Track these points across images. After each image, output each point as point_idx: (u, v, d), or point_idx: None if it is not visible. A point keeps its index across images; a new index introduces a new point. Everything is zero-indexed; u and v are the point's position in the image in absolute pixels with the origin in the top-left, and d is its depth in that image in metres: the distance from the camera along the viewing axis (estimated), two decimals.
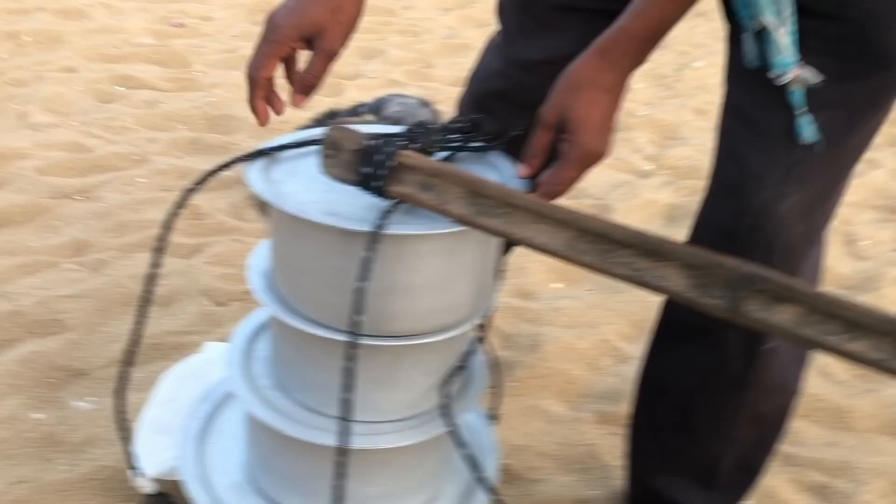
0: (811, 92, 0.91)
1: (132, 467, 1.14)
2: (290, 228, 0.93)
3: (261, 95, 0.98)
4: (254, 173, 0.97)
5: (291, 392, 1.05)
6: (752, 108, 0.98)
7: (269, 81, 0.97)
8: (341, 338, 0.93)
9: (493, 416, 1.37)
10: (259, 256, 1.06)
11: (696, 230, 1.13)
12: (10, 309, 1.68)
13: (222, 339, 1.69)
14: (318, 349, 0.98)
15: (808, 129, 0.91)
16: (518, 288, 2.09)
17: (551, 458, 1.56)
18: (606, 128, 0.89)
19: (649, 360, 1.27)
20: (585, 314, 2.00)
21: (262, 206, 2.26)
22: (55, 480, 1.30)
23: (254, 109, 1.00)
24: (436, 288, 0.92)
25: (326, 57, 0.98)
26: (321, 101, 3.04)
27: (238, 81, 3.11)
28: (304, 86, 1.00)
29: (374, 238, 0.84)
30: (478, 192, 0.82)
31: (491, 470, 1.18)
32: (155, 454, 1.24)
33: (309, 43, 0.98)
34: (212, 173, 0.98)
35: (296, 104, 1.01)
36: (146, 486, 1.14)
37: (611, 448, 1.60)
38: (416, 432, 1.01)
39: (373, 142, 0.85)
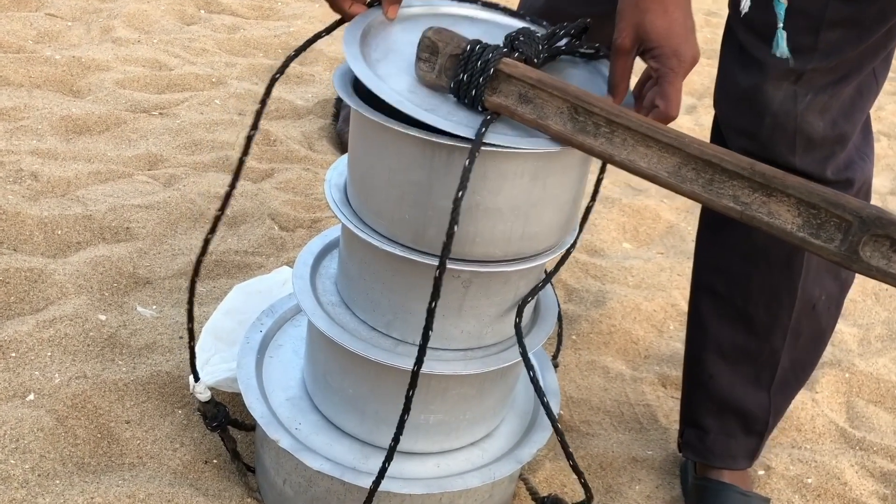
0: (829, 9, 0.97)
1: (194, 374, 1.14)
2: (370, 132, 0.89)
3: (348, 5, 0.94)
4: (351, 48, 0.88)
5: (356, 311, 1.03)
6: (764, 22, 1.00)
7: None
8: (413, 256, 0.90)
9: (555, 364, 1.34)
10: (335, 171, 1.03)
11: (714, 142, 1.12)
12: (82, 213, 1.69)
13: (287, 262, 1.69)
14: (387, 267, 0.95)
15: (782, 45, 0.96)
16: (587, 244, 2.04)
17: (608, 414, 1.52)
18: (690, 27, 0.86)
19: (699, 258, 1.26)
20: (654, 276, 1.93)
21: (337, 139, 2.24)
22: (113, 379, 1.31)
23: (348, 16, 0.94)
24: (516, 213, 0.88)
25: None
26: None
27: (318, 14, 3.08)
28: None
29: (474, 149, 0.79)
30: (580, 108, 0.77)
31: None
32: (214, 363, 1.24)
33: None
34: (305, 47, 0.94)
35: (389, 17, 0.97)
36: (203, 394, 1.14)
37: (669, 411, 1.55)
38: (481, 363, 0.98)
39: (474, 46, 0.80)
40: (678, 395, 1.60)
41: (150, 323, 1.47)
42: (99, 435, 1.24)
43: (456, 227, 0.82)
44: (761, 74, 1.05)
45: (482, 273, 0.92)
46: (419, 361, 0.88)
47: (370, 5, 0.94)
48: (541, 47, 0.86)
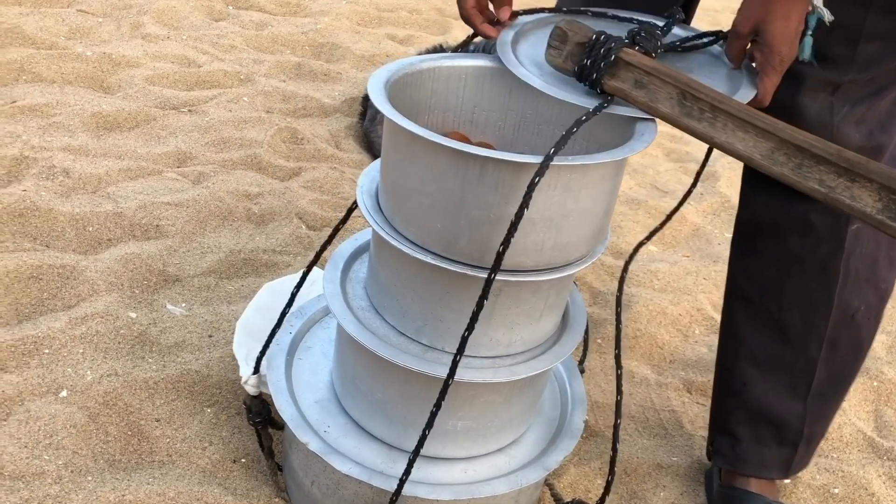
0: (868, 22, 1.00)
1: (256, 367, 1.16)
2: (403, 144, 0.90)
3: (480, 21, 1.05)
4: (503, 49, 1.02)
5: (385, 316, 1.03)
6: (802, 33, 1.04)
7: (476, 9, 1.04)
8: (445, 265, 0.91)
9: (581, 369, 1.34)
10: (367, 177, 1.04)
11: None
12: (113, 210, 1.71)
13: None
14: (417, 275, 0.96)
15: (807, 50, 1.00)
16: (613, 246, 2.04)
17: (632, 419, 1.52)
18: (798, 32, 0.94)
19: (733, 266, 1.26)
20: (680, 280, 1.93)
21: (364, 138, 2.25)
22: (144, 377, 1.33)
23: (485, 36, 1.06)
24: (548, 224, 0.88)
25: None
26: (427, 39, 3.01)
27: (345, 11, 3.09)
28: (496, 1, 1.05)
29: (545, 163, 0.81)
30: (688, 94, 0.87)
31: (577, 420, 1.15)
32: (250, 360, 1.25)
33: None
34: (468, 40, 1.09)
35: (501, 19, 1.06)
36: (255, 388, 1.16)
37: (694, 417, 1.55)
38: (509, 371, 0.99)
39: (599, 37, 0.91)
40: (703, 400, 1.60)
41: (179, 321, 1.49)
42: (129, 432, 1.26)
43: (496, 241, 0.83)
44: (798, 85, 1.05)
45: (513, 282, 0.93)
46: (451, 374, 0.89)
47: (493, 24, 1.06)
48: (658, 43, 0.95)
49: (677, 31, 1.07)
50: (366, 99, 2.31)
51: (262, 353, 1.16)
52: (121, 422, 1.27)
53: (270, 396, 1.16)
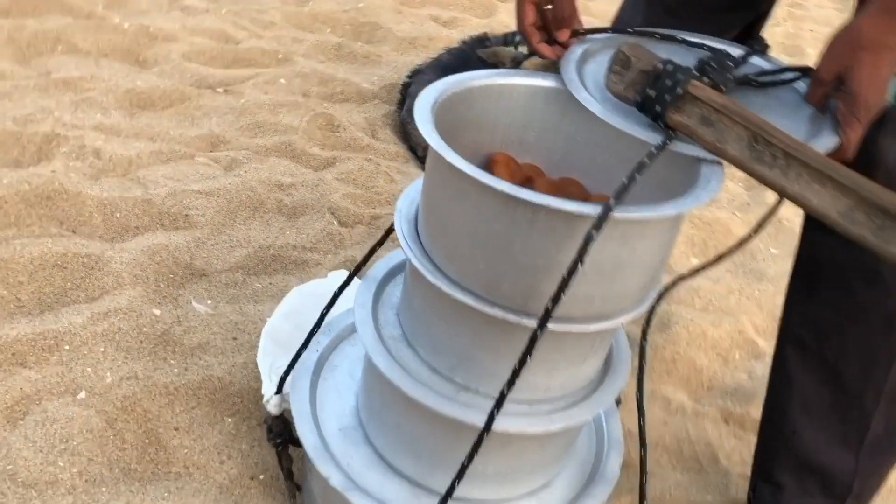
0: None
1: (279, 387, 1.12)
2: (449, 178, 0.83)
3: (537, 40, 1.00)
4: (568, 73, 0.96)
5: (418, 349, 0.98)
6: None
7: (534, 26, 1.00)
8: (485, 309, 0.85)
9: (617, 400, 1.28)
10: (406, 199, 0.97)
11: None
12: (142, 196, 1.67)
13: (344, 262, 1.65)
14: (455, 312, 0.90)
15: (892, 92, 0.92)
16: None
17: (666, 450, 1.45)
18: (886, 84, 0.88)
19: (789, 307, 1.20)
20: (723, 299, 1.85)
21: (401, 128, 2.18)
22: (164, 382, 1.29)
23: (540, 55, 1.01)
24: (601, 276, 0.82)
25: None
26: (472, 22, 2.91)
27: None
28: (556, 20, 0.99)
29: (603, 217, 0.75)
30: (760, 138, 0.80)
31: (613, 465, 1.09)
32: (275, 375, 1.21)
33: None
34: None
35: (560, 40, 0.99)
36: (276, 407, 1.11)
37: (731, 451, 1.48)
38: (547, 420, 0.93)
39: (665, 66, 0.84)
40: (741, 433, 1.53)
41: (204, 320, 1.44)
42: (147, 440, 1.22)
43: (542, 288, 0.76)
44: (877, 126, 0.96)
45: (558, 332, 0.86)
46: (487, 428, 0.83)
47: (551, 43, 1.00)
48: (730, 76, 0.88)
49: (757, 61, 0.99)
50: (405, 87, 2.24)
51: (287, 373, 1.11)
52: (138, 429, 1.23)
53: (292, 414, 1.12)
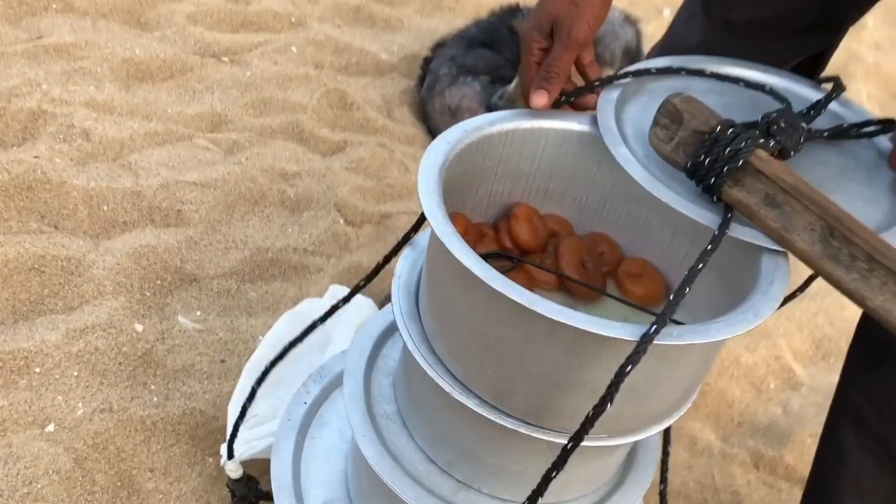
0: None
1: (229, 452, 0.99)
2: (455, 271, 0.68)
3: (536, 86, 0.83)
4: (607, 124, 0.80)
5: (414, 434, 0.85)
6: None
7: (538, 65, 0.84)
8: (493, 418, 0.71)
9: None
10: (407, 262, 0.83)
11: None
12: (132, 187, 1.53)
13: (349, 269, 1.51)
14: (458, 412, 0.76)
15: None
16: None
17: (689, 500, 1.33)
18: None
19: (848, 377, 1.06)
20: None
21: (420, 107, 2.02)
22: (141, 416, 1.18)
23: (530, 103, 0.83)
24: (632, 394, 0.68)
25: (566, 47, 0.80)
26: None
27: None
28: (543, 77, 0.81)
29: (640, 350, 0.60)
30: (837, 232, 0.64)
31: None
32: (250, 430, 1.09)
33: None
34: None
35: (533, 104, 0.81)
36: (235, 472, 0.99)
37: (760, 502, 1.36)
38: None
39: (725, 129, 0.68)
40: (771, 479, 1.40)
41: (190, 337, 1.32)
42: (119, 483, 1.12)
43: (560, 405, 0.62)
44: None
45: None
46: None
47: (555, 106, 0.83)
48: (801, 137, 0.72)
49: (831, 106, 0.82)
50: (426, 62, 2.07)
51: (233, 436, 0.98)
52: (110, 469, 1.12)
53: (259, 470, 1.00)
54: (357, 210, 1.65)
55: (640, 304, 0.81)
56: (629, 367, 0.60)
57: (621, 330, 0.61)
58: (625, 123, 0.81)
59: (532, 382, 0.68)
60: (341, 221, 1.63)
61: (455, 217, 0.79)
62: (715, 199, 0.71)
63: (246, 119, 1.82)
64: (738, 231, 0.70)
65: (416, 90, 2.06)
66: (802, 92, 0.87)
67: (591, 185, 0.87)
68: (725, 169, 0.68)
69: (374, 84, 2.07)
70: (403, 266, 0.83)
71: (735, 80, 0.85)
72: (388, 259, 0.91)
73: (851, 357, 1.05)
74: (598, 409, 0.62)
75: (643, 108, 0.82)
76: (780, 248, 0.70)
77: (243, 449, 1.06)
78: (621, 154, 0.77)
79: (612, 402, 0.61)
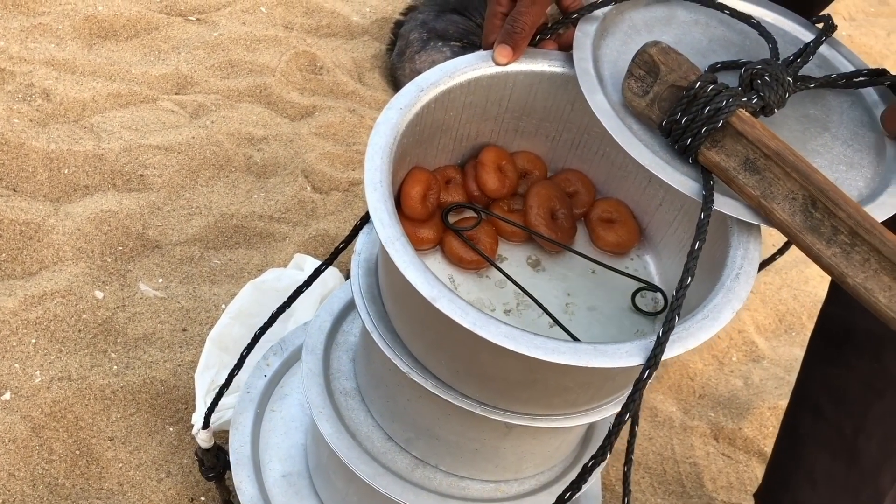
0: None
1: (205, 422, 0.98)
2: (403, 281, 0.64)
3: (493, 37, 0.77)
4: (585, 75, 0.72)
5: (372, 410, 0.85)
6: None
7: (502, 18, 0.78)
8: (450, 399, 0.71)
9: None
10: (370, 238, 0.81)
11: None
12: (94, 150, 1.50)
13: (315, 236, 1.50)
14: (417, 390, 0.76)
15: None
16: None
17: (648, 471, 1.35)
18: None
19: (808, 368, 1.07)
20: None
21: (391, 73, 1.99)
22: (101, 384, 1.17)
23: (494, 58, 0.77)
24: (586, 387, 0.68)
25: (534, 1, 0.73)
26: None
27: None
28: (507, 32, 0.74)
29: (639, 390, 0.58)
30: (820, 203, 0.60)
31: None
32: (213, 392, 1.08)
33: None
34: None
35: (496, 61, 0.75)
36: (206, 442, 0.99)
37: (717, 474, 1.38)
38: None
39: (705, 85, 0.63)
40: (729, 451, 1.42)
41: (152, 305, 1.31)
42: (77, 452, 1.11)
43: (516, 395, 0.62)
44: None
45: (532, 427, 0.73)
46: None
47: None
48: (787, 93, 0.67)
49: (821, 50, 0.78)
50: (397, 26, 2.03)
51: (213, 405, 0.98)
52: (69, 438, 1.11)
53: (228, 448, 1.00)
54: (325, 177, 1.63)
55: (608, 258, 0.79)
56: (637, 394, 0.59)
57: (567, 354, 0.59)
58: (602, 63, 0.74)
59: (485, 378, 0.67)
60: (308, 188, 1.61)
61: (414, 174, 0.76)
62: (690, 161, 0.66)
63: (212, 81, 1.78)
64: (717, 201, 0.67)
65: (388, 54, 2.03)
66: (791, 29, 0.81)
67: (564, 123, 0.81)
68: (704, 130, 0.64)
69: (345, 47, 2.03)
70: (364, 242, 0.82)
71: (721, 8, 0.79)
72: (348, 241, 0.90)
73: (812, 345, 1.05)
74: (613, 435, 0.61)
75: (623, 44, 0.76)
76: (753, 223, 0.66)
77: (214, 418, 1.05)
78: (597, 103, 0.70)
79: (617, 436, 0.60)
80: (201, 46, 1.85)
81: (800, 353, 1.53)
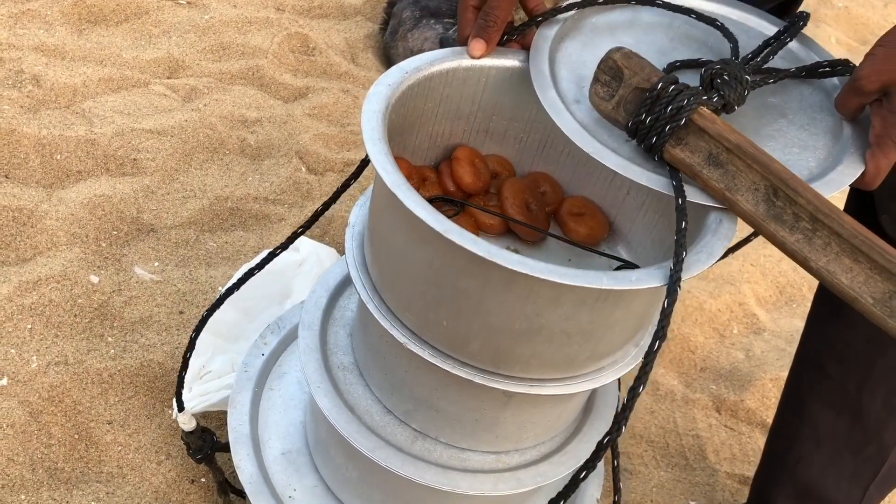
0: None
1: (178, 404, 0.97)
2: (403, 220, 0.66)
3: (469, 29, 0.79)
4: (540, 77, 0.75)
5: (371, 384, 0.84)
6: None
7: (475, 10, 0.80)
8: (448, 368, 0.71)
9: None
10: (362, 211, 0.81)
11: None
12: (86, 135, 1.49)
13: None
14: (414, 361, 0.75)
15: None
16: None
17: (651, 444, 1.35)
18: None
19: (811, 328, 1.06)
20: (724, 266, 1.71)
21: (384, 52, 1.97)
22: (98, 368, 1.16)
23: (469, 51, 0.79)
24: (587, 336, 0.67)
25: None
26: None
27: None
28: (481, 26, 0.76)
29: (671, 300, 0.60)
30: (781, 192, 0.63)
31: (590, 499, 0.98)
32: (207, 381, 1.07)
33: None
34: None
35: (470, 54, 0.77)
36: (187, 424, 0.98)
37: (720, 446, 1.38)
38: (515, 480, 0.80)
39: (667, 85, 0.65)
40: (733, 423, 1.42)
41: (148, 288, 1.30)
42: (76, 436, 1.10)
43: (518, 351, 0.61)
44: None
45: (532, 395, 0.72)
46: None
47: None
48: (746, 91, 0.69)
49: (790, 46, 0.80)
50: (390, 5, 2.01)
51: (178, 391, 0.97)
52: (67, 422, 1.11)
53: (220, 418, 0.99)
54: (319, 158, 1.62)
55: (583, 244, 0.82)
56: (662, 330, 0.60)
57: (578, 277, 0.60)
58: (559, 63, 0.76)
59: (489, 331, 0.67)
60: (303, 169, 1.59)
61: (397, 162, 0.77)
62: (657, 159, 0.68)
63: (204, 64, 1.76)
64: (689, 192, 0.68)
65: (381, 34, 2.01)
66: (756, 25, 0.83)
67: (530, 124, 0.84)
68: (668, 128, 0.66)
69: (338, 28, 2.01)
70: (357, 215, 0.81)
71: (686, 12, 0.82)
72: (326, 206, 0.90)
73: (815, 306, 1.05)
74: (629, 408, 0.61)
75: (582, 46, 0.78)
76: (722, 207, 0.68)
77: (197, 402, 1.04)
78: (548, 99, 0.72)
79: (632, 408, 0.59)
80: (192, 30, 1.83)
81: (800, 324, 1.52)
